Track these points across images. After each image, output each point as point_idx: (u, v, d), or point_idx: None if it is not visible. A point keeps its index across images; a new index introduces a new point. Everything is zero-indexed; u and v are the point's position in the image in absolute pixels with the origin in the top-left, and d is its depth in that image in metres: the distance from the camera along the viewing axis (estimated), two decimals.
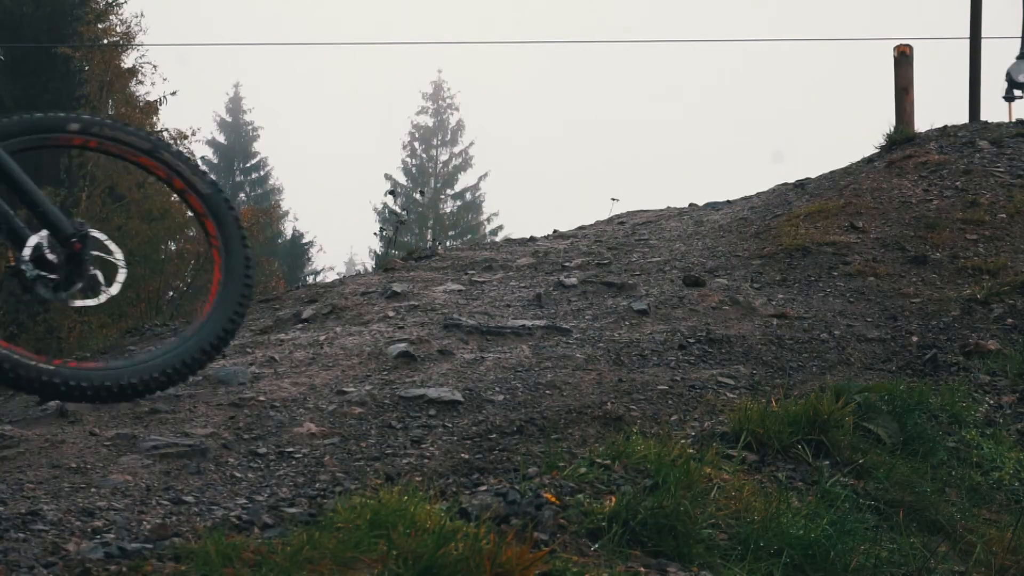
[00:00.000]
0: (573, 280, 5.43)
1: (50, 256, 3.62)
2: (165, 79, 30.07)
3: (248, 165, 41.82)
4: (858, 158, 7.79)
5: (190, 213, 3.97)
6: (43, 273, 3.60)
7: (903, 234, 5.96)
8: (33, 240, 3.62)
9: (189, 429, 3.48)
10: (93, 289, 3.67)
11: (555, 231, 7.45)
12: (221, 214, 3.93)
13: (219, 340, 3.61)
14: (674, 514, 2.76)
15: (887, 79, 9.30)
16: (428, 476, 3.22)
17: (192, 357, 3.53)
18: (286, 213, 38.62)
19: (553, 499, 2.79)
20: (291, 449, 3.40)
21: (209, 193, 3.96)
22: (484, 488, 2.90)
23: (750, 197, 7.70)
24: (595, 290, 5.31)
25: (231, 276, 3.77)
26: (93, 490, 2.97)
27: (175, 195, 4.03)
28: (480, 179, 40.32)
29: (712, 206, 7.66)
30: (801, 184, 7.50)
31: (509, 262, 6.05)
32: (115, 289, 3.69)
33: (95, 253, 3.70)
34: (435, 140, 41.71)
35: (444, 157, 41.35)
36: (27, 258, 3.59)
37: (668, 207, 8.00)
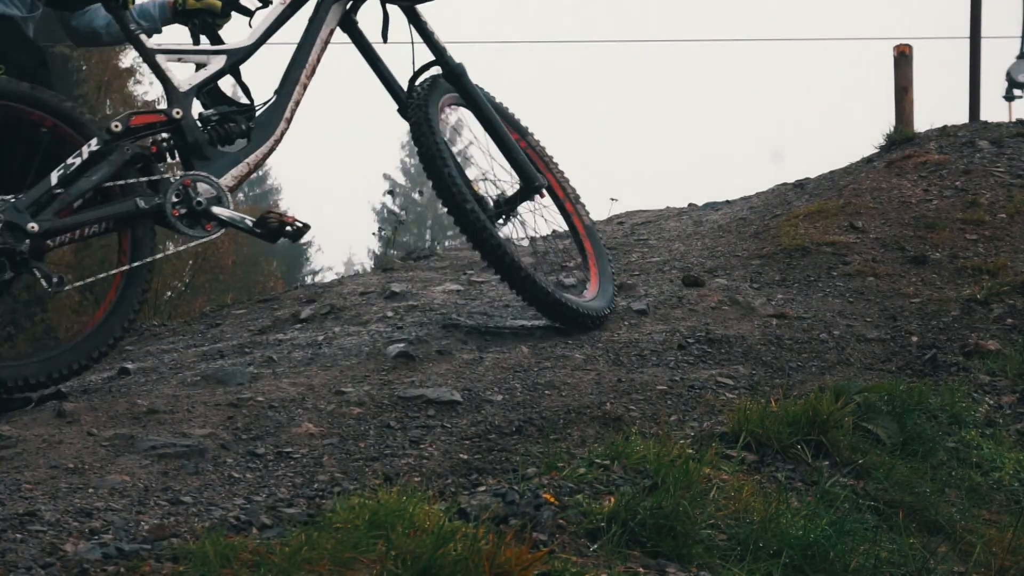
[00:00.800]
0: (572, 280, 5.42)
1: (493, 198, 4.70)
2: None
3: None
4: (858, 158, 7.78)
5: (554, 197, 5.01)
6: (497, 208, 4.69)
7: (903, 234, 5.95)
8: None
9: (187, 429, 3.47)
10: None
11: (554, 231, 7.43)
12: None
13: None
14: (673, 514, 2.76)
15: (887, 79, 9.30)
16: (427, 476, 3.21)
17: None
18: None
19: (552, 499, 2.79)
20: (289, 449, 3.39)
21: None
22: (483, 488, 2.90)
23: (750, 197, 7.69)
24: None
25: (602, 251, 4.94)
26: (91, 490, 2.97)
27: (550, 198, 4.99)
28: (477, 180, 40.27)
29: (711, 206, 7.64)
30: (801, 184, 7.49)
31: None
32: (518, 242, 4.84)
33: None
34: None
35: None
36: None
37: (667, 207, 7.98)
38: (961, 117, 10.02)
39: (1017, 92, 11.52)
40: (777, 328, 4.78)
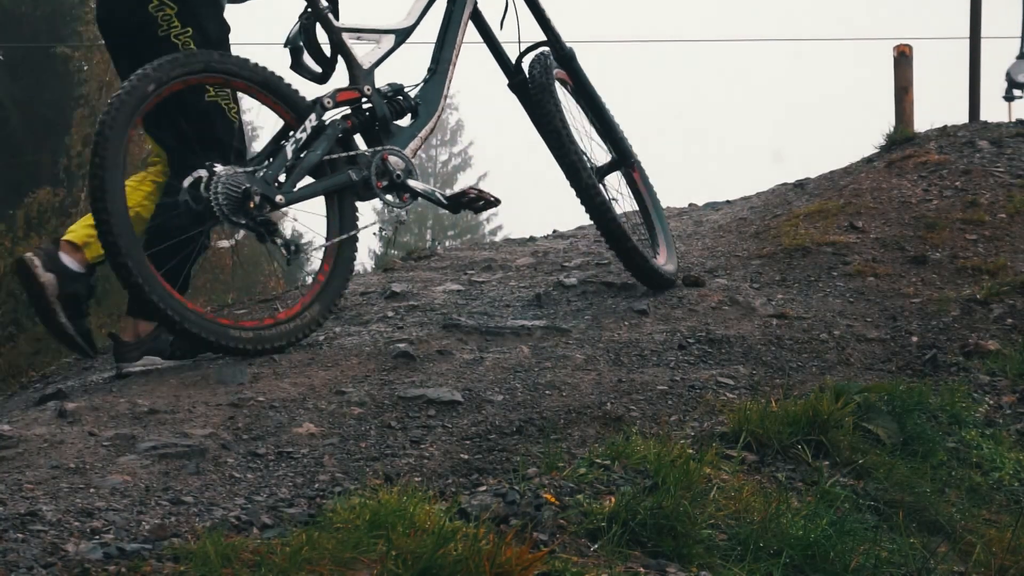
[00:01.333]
0: (573, 280, 5.43)
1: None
2: None
3: None
4: (858, 158, 7.78)
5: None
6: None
7: (903, 234, 5.95)
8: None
9: (188, 429, 3.47)
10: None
11: (555, 231, 7.43)
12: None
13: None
14: (674, 514, 2.76)
15: (887, 79, 9.30)
16: (427, 476, 3.22)
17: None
18: (285, 213, 38.51)
19: (552, 499, 2.79)
20: (290, 449, 3.39)
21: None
22: (483, 488, 2.90)
23: (750, 197, 7.69)
24: (595, 290, 5.30)
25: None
26: (92, 490, 2.97)
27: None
28: (480, 179, 40.28)
29: (712, 206, 7.64)
30: (801, 184, 7.49)
31: (508, 262, 6.04)
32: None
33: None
34: (434, 140, 41.66)
35: (443, 157, 41.35)
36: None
37: (667, 207, 7.97)
38: (961, 117, 10.03)
39: (1017, 92, 11.52)
40: (777, 328, 4.78)
